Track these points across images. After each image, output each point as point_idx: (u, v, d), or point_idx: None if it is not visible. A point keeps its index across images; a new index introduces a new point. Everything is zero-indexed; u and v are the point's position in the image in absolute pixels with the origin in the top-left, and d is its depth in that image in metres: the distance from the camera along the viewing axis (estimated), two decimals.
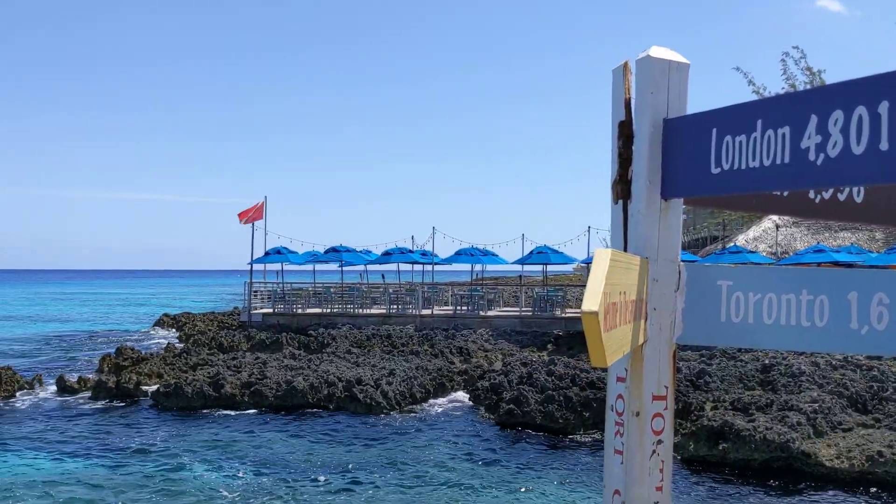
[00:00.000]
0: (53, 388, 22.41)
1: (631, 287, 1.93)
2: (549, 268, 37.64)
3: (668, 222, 2.30)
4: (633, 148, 2.30)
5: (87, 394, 21.30)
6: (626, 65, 2.34)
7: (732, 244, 43.07)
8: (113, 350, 28.55)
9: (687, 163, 2.22)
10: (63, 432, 17.51)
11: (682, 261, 2.35)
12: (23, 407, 20.44)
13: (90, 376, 22.92)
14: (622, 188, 2.32)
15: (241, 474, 13.69)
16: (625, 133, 2.31)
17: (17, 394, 21.51)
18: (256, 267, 35.56)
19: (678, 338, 2.34)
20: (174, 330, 41.16)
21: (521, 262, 34.16)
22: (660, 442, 2.28)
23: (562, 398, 16.88)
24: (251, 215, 33.85)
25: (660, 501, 2.28)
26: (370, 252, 37.87)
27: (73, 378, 22.51)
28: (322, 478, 13.58)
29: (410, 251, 36.94)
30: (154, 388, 20.23)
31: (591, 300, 1.50)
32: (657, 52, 2.30)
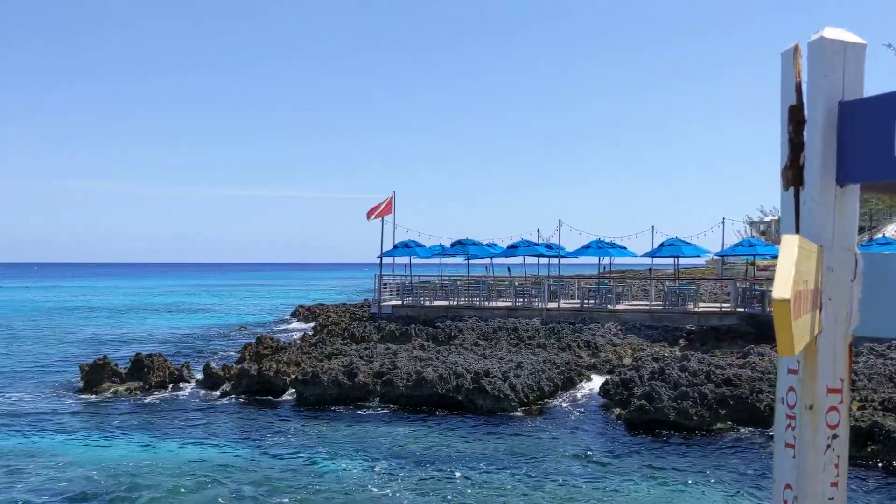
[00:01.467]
0: (200, 375, 23.78)
1: (811, 276, 1.88)
2: (680, 260, 36.58)
3: (844, 209, 2.21)
4: (805, 133, 2.23)
5: (231, 381, 22.47)
6: (796, 47, 2.26)
7: (881, 235, 40.48)
8: (253, 339, 30.02)
9: (865, 147, 2.13)
10: (207, 419, 18.58)
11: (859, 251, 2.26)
12: (172, 393, 21.84)
13: (233, 364, 24.18)
14: (793, 174, 2.25)
15: (374, 466, 14.07)
16: (795, 118, 2.24)
17: (169, 379, 23.00)
18: (386, 260, 36.40)
19: (854, 329, 2.25)
20: (308, 321, 42.74)
21: (651, 254, 33.35)
22: (835, 437, 2.20)
23: (696, 395, 16.40)
24: (380, 211, 34.69)
25: (835, 498, 2.21)
26: (496, 245, 37.99)
27: (217, 366, 23.79)
28: (451, 471, 13.79)
29: (536, 244, 36.81)
30: (293, 376, 21.10)
31: (783, 287, 1.47)
32: (831, 33, 2.21)
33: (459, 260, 39.39)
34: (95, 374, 23.28)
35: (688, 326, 28.18)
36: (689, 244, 32.61)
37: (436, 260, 39.16)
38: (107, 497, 12.23)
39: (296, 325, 43.61)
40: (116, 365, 23.94)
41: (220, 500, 12.10)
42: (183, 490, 12.66)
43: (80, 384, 22.92)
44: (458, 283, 36.73)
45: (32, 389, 22.48)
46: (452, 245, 36.85)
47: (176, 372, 23.52)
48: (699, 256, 36.95)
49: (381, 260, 36.09)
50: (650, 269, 40.47)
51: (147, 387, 22.29)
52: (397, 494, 12.20)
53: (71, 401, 20.77)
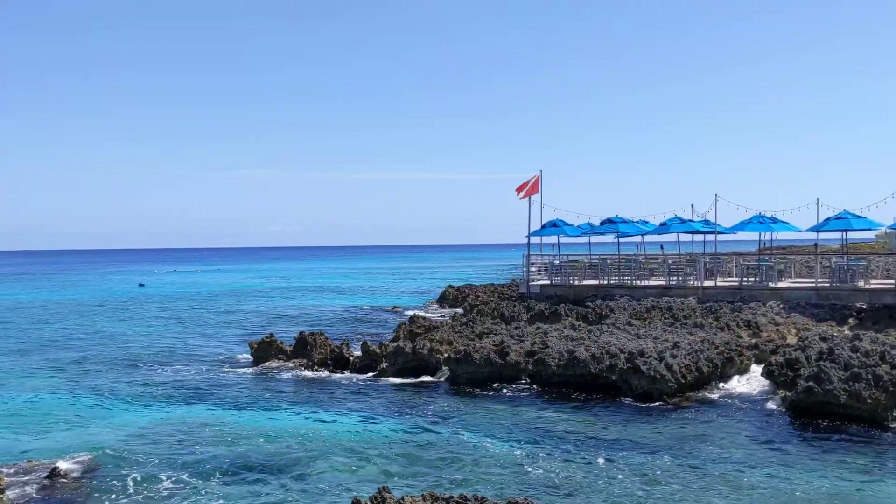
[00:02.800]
0: (358, 352, 24.75)
1: None
2: (848, 235, 34.21)
3: None
4: None
5: (387, 359, 23.23)
6: None
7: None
8: (406, 319, 30.85)
9: None
10: (365, 395, 19.33)
11: None
12: (332, 370, 22.84)
13: (388, 342, 24.99)
14: None
15: (525, 446, 14.16)
16: None
17: (330, 357, 24.09)
18: (533, 240, 36.31)
19: None
20: (457, 301, 43.41)
21: (816, 228, 31.35)
22: None
23: (870, 376, 15.35)
24: (527, 189, 34.59)
25: None
26: (647, 222, 36.96)
27: (374, 344, 24.67)
28: (602, 455, 13.65)
29: (690, 220, 35.52)
30: (445, 354, 21.55)
31: None
32: None
33: (609, 238, 38.67)
34: (263, 352, 24.76)
35: (857, 305, 26.38)
36: (858, 217, 30.39)
37: (584, 239, 38.63)
38: (273, 467, 13.02)
39: (445, 304, 44.43)
40: (282, 343, 25.36)
41: (374, 473, 12.60)
42: (340, 462, 13.27)
43: (250, 360, 24.48)
44: (609, 261, 36.09)
45: (206, 364, 24.18)
46: (602, 223, 36.19)
47: (336, 350, 24.58)
48: (870, 230, 34.42)
49: (529, 240, 36.01)
50: (815, 244, 38.10)
51: (310, 363, 23.48)
52: (550, 475, 12.23)
53: (241, 376, 22.19)
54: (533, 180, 34.68)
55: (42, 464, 13.09)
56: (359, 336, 29.92)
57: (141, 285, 75.43)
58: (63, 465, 13.07)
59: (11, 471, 12.71)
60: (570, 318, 26.51)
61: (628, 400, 17.56)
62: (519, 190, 34.36)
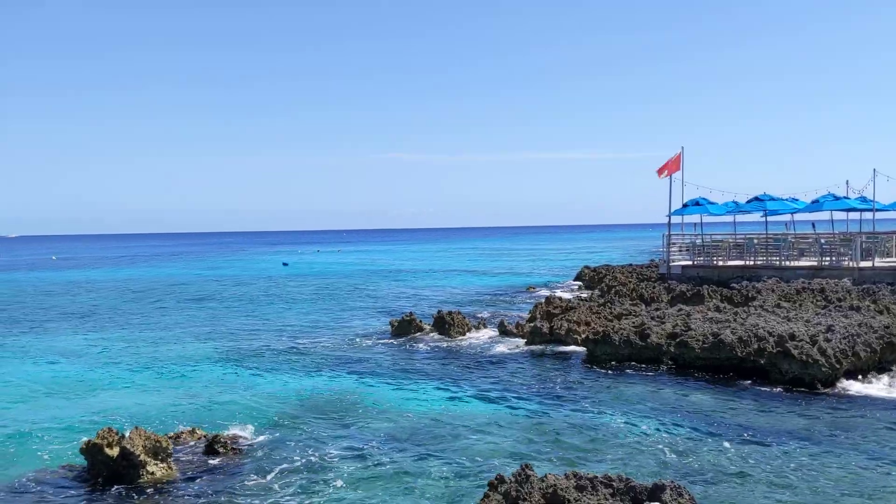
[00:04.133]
0: (495, 331, 24.98)
1: None
2: None
3: None
4: None
5: (523, 338, 23.30)
6: None
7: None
8: (541, 299, 30.77)
9: None
10: (501, 372, 19.46)
11: None
12: (469, 347, 23.17)
13: (525, 322, 25.05)
14: None
15: (663, 429, 13.84)
16: None
17: (467, 334, 24.46)
18: (674, 219, 35.26)
19: None
20: (594, 282, 42.86)
21: None
22: None
23: None
24: (668, 167, 33.58)
25: None
26: (797, 200, 35.08)
27: (511, 323, 24.82)
28: (750, 442, 13.16)
29: (845, 197, 33.44)
30: (583, 335, 21.37)
31: None
32: None
33: (755, 217, 37.03)
34: (403, 329, 25.43)
35: None
36: None
37: (729, 218, 37.17)
38: (414, 440, 13.39)
39: (581, 285, 43.97)
40: (421, 321, 25.95)
41: (514, 449, 12.71)
42: (479, 438, 13.46)
43: (390, 337, 25.21)
44: (755, 241, 34.54)
45: (349, 340, 25.06)
46: (748, 201, 34.66)
47: (473, 328, 24.92)
48: None
49: (670, 219, 35.00)
50: None
51: (447, 341, 23.90)
52: (691, 459, 11.93)
53: (383, 351, 22.86)
54: (674, 158, 33.64)
55: (204, 434, 14.04)
56: (495, 315, 30.14)
57: (285, 264, 78.87)
58: (224, 433, 13.98)
59: (175, 438, 13.69)
60: (714, 300, 25.62)
61: (778, 387, 16.80)
62: (661, 171, 33.43)
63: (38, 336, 27.74)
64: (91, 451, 12.41)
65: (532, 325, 23.41)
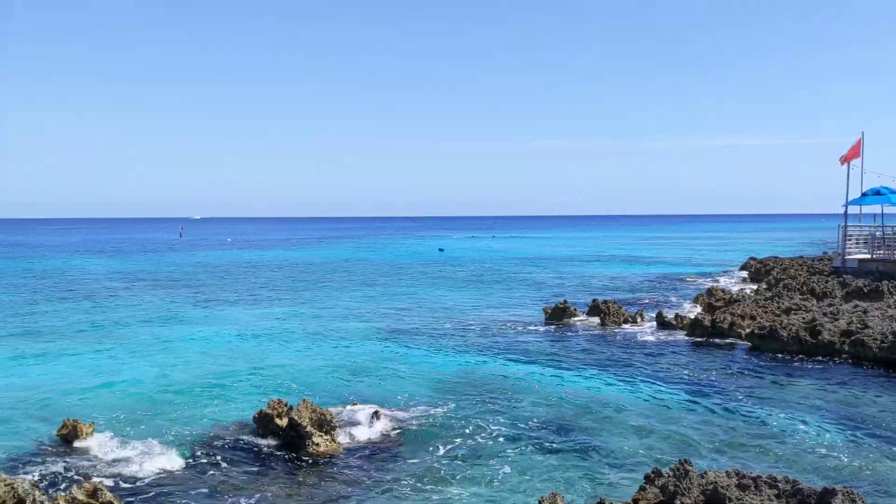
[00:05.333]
0: (652, 322, 24.39)
1: None
2: None
3: None
4: None
5: (683, 331, 22.61)
6: None
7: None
8: (702, 290, 29.70)
9: None
10: (659, 363, 18.96)
11: None
12: (625, 337, 22.75)
13: (685, 314, 24.28)
14: None
15: (829, 429, 13.03)
16: None
17: (624, 325, 24.03)
18: (851, 210, 32.93)
19: None
20: (760, 274, 40.84)
21: None
22: None
23: None
24: (847, 154, 31.34)
25: None
26: None
27: (670, 314, 24.14)
28: None
29: None
30: (748, 329, 20.46)
31: None
32: None
33: None
34: (557, 317, 25.35)
35: None
36: None
37: None
38: (566, 427, 13.35)
39: (745, 277, 42.01)
40: (575, 309, 25.76)
41: (671, 442, 12.39)
42: (635, 428, 13.21)
43: (544, 324, 25.19)
44: None
45: (503, 326, 25.24)
46: None
47: (630, 317, 24.44)
48: None
49: (847, 209, 32.72)
50: None
51: (602, 329, 23.59)
52: (864, 465, 11.18)
53: (536, 338, 22.89)
54: (854, 144, 31.38)
55: (363, 407, 14.66)
56: (652, 305, 29.40)
57: (440, 250, 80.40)
58: (386, 410, 14.55)
59: (339, 412, 14.38)
60: (895, 297, 23.77)
61: None
62: (843, 160, 31.26)
63: (217, 310, 29.88)
64: (262, 419, 13.29)
65: (693, 316, 22.66)
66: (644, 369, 18.25)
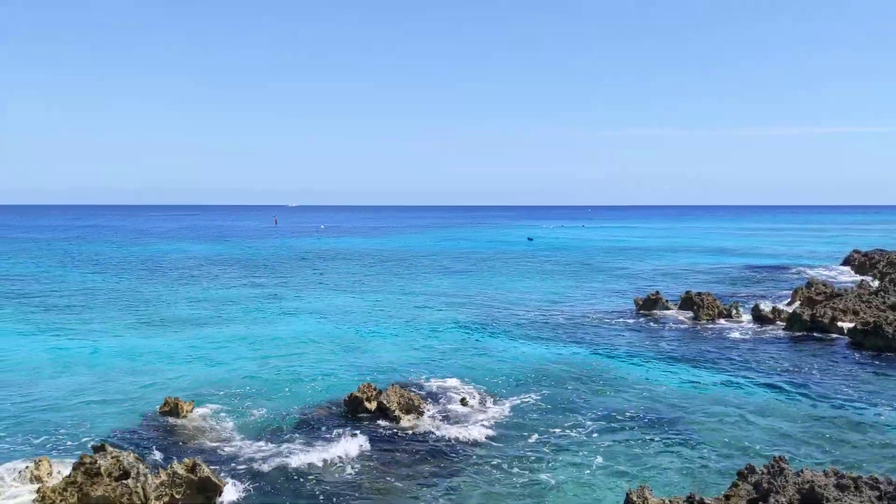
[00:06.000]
0: (748, 315, 23.63)
1: None
2: None
3: None
4: None
5: (781, 325, 21.84)
6: None
7: None
8: (802, 282, 28.59)
9: None
10: (753, 357, 18.38)
11: None
12: (719, 330, 22.11)
13: (783, 307, 23.45)
14: None
15: None
16: None
17: (718, 318, 23.38)
18: None
19: None
20: (865, 267, 38.99)
21: None
22: None
23: None
24: None
25: None
26: None
27: (766, 308, 23.34)
28: None
29: None
30: (850, 325, 19.60)
31: None
32: None
33: None
34: (648, 307, 24.89)
35: None
36: None
37: None
38: (654, 419, 13.13)
39: (848, 270, 40.19)
40: (667, 300, 25.22)
41: (764, 436, 12.03)
42: (728, 420, 12.89)
43: (635, 314, 24.76)
44: None
45: (591, 315, 24.92)
46: None
47: (725, 311, 23.77)
48: None
49: None
50: None
51: (695, 322, 23.03)
52: None
53: (625, 328, 22.51)
54: None
55: (450, 393, 14.79)
56: (748, 298, 28.49)
57: (530, 239, 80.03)
58: (474, 394, 14.64)
59: (426, 397, 14.55)
60: None
61: None
62: None
63: (310, 295, 30.63)
64: (352, 402, 13.60)
65: (792, 310, 21.87)
66: (738, 363, 17.75)
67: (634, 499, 8.45)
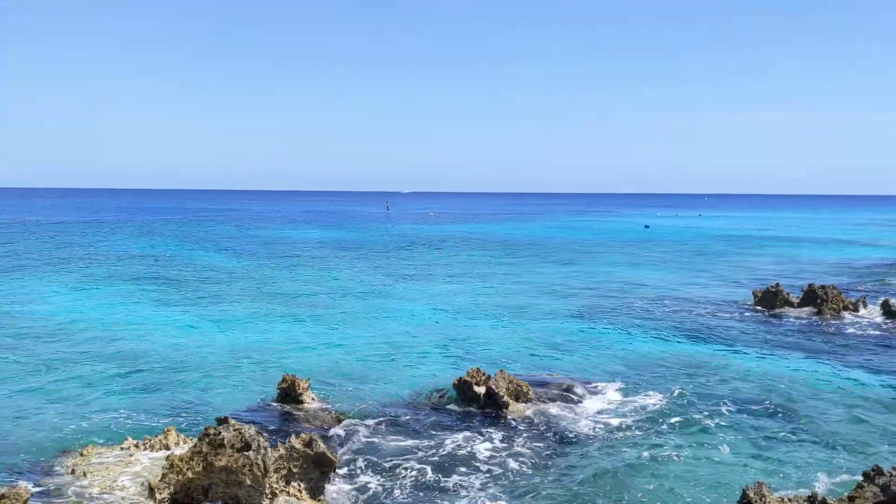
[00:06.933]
0: (877, 309, 22.36)
1: None
2: None
3: None
4: None
5: None
6: None
7: None
8: None
9: None
10: (879, 352, 17.44)
11: None
12: (844, 325, 21.02)
13: None
14: None
15: None
16: None
17: (843, 312, 22.23)
18: None
19: None
20: None
21: None
22: None
23: None
24: None
25: None
26: None
27: None
28: None
29: None
30: None
31: None
32: None
33: None
34: (767, 301, 23.91)
35: None
36: None
37: None
38: (782, 414, 12.66)
39: None
40: (788, 293, 24.15)
41: (888, 437, 11.42)
42: (853, 422, 12.31)
43: (753, 307, 23.85)
44: None
45: (707, 307, 24.16)
46: None
47: (850, 305, 22.59)
48: None
49: None
50: None
51: (818, 316, 21.99)
52: None
53: (744, 321, 21.73)
54: None
55: (559, 381, 14.72)
56: (877, 292, 26.94)
57: (646, 227, 78.41)
58: (582, 383, 14.54)
59: (534, 384, 14.54)
60: None
61: None
62: None
63: (419, 282, 31.11)
64: (461, 386, 13.75)
65: None
66: (865, 360, 16.87)
67: (752, 496, 8.19)
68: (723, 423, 12.32)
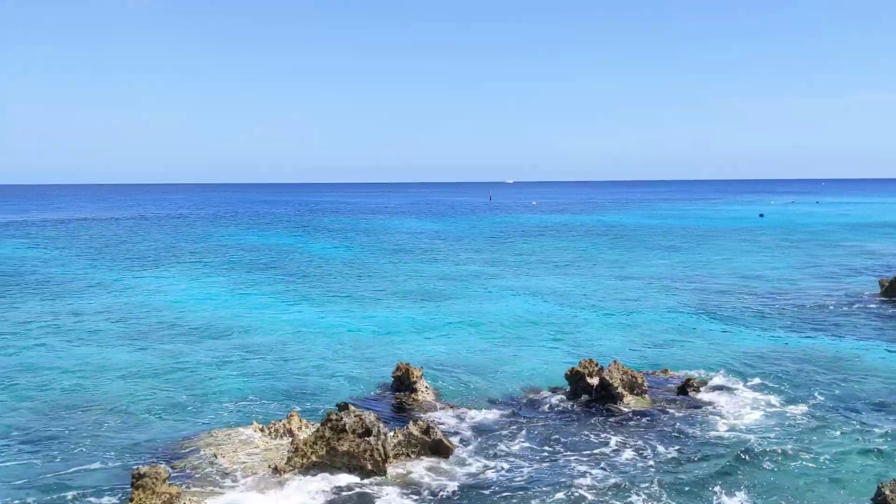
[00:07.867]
0: None
1: None
2: None
3: None
4: None
5: None
6: None
7: None
8: None
9: None
10: None
11: None
12: None
13: None
14: None
15: None
16: None
17: None
18: None
19: None
20: None
21: None
22: None
23: None
24: None
25: None
26: None
27: None
28: None
29: None
30: None
31: None
32: None
33: None
34: (894, 290, 22.73)
35: None
36: None
37: None
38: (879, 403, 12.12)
39: None
40: None
41: None
42: None
43: (879, 298, 22.70)
44: None
45: (826, 298, 23.12)
46: None
47: None
48: None
49: None
50: None
51: None
52: None
53: (868, 313, 20.72)
54: None
55: (673, 375, 14.51)
56: None
57: (761, 215, 75.62)
58: (697, 377, 14.29)
59: (648, 376, 14.37)
60: None
61: None
62: None
63: (524, 273, 31.12)
64: (573, 377, 13.72)
65: None
66: None
67: (887, 492, 7.90)
68: (853, 421, 11.86)
